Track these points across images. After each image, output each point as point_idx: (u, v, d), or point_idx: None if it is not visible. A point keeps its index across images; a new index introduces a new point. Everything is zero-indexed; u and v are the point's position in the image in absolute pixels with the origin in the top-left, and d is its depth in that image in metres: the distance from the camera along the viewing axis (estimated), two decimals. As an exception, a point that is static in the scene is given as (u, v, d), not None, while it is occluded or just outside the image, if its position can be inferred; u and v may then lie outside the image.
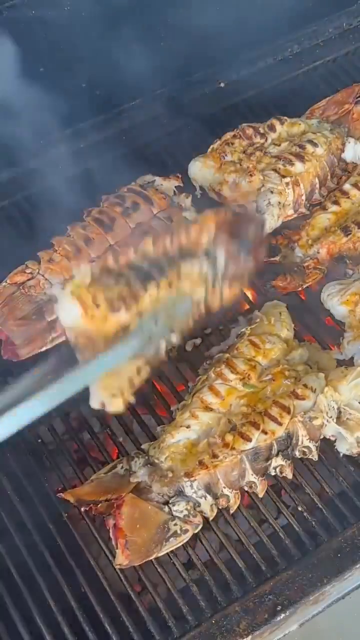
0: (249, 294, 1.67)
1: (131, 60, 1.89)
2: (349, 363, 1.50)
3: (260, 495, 1.35)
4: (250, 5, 1.99)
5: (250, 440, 1.32)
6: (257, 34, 2.02)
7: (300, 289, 1.61)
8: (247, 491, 1.36)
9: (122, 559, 1.24)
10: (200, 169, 1.73)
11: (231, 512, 1.35)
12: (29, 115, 1.83)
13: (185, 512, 1.29)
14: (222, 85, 2.01)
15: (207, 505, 1.30)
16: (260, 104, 1.97)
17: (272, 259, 1.59)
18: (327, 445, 1.41)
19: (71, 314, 1.30)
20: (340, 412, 1.40)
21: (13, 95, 1.80)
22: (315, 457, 1.38)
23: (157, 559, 1.29)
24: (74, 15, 1.78)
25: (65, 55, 1.81)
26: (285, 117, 1.76)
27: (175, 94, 1.97)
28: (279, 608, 1.25)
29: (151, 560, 1.28)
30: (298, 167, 1.69)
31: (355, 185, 1.69)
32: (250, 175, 1.68)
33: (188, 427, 1.35)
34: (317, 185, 1.74)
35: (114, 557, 1.27)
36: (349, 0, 2.14)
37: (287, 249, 1.64)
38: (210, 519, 1.32)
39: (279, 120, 1.76)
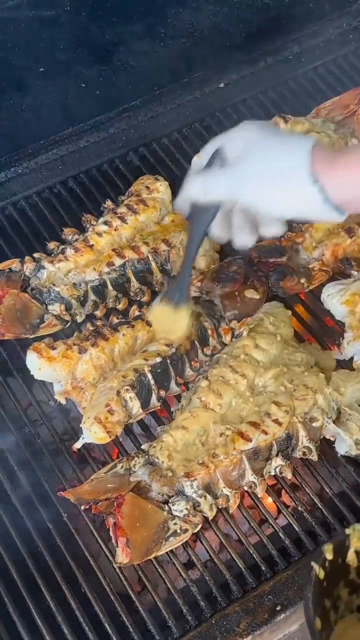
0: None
1: (131, 60, 1.89)
2: (349, 363, 1.50)
3: (260, 495, 1.35)
4: (250, 5, 1.99)
5: (250, 440, 1.32)
6: (257, 34, 2.02)
7: (307, 290, 1.61)
8: (247, 491, 1.36)
9: (122, 558, 1.24)
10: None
11: (231, 512, 1.35)
12: (28, 115, 1.84)
13: (185, 512, 1.29)
14: (222, 85, 2.00)
15: (207, 505, 1.30)
16: (260, 104, 1.97)
17: (279, 259, 1.59)
18: (327, 446, 1.41)
19: (32, 363, 1.45)
20: (339, 413, 1.41)
21: (13, 95, 1.81)
22: (315, 458, 1.38)
23: (156, 558, 1.29)
24: (74, 15, 1.78)
25: (65, 55, 1.81)
26: (290, 116, 1.76)
27: (175, 94, 1.97)
28: (278, 608, 1.25)
29: (151, 560, 1.28)
30: (300, 166, 1.69)
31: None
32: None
33: (187, 427, 1.35)
34: (318, 185, 1.74)
35: (114, 556, 1.27)
36: (349, 0, 2.14)
37: (292, 251, 1.63)
38: (210, 518, 1.32)
39: (283, 119, 1.76)
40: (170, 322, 1.37)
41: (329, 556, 1.12)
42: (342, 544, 1.13)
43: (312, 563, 1.10)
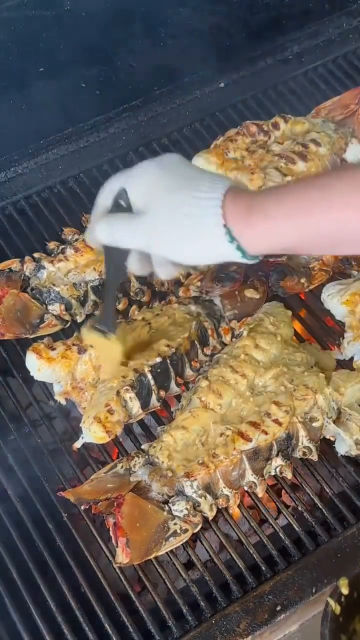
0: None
1: (131, 60, 1.89)
2: (349, 363, 1.50)
3: (260, 495, 1.35)
4: (250, 5, 1.99)
5: (250, 440, 1.32)
6: (257, 34, 2.02)
7: (307, 290, 1.61)
8: (247, 491, 1.36)
9: (122, 558, 1.24)
10: (203, 165, 1.72)
11: (231, 512, 1.35)
12: (28, 115, 1.84)
13: (185, 512, 1.29)
14: (222, 85, 2.00)
15: (207, 505, 1.30)
16: (260, 104, 1.97)
17: (279, 259, 1.59)
18: (327, 446, 1.41)
19: (31, 364, 1.44)
20: (340, 413, 1.41)
21: (13, 95, 1.81)
22: (315, 458, 1.38)
23: (156, 558, 1.29)
24: (74, 15, 1.78)
25: (65, 55, 1.81)
26: (290, 116, 1.76)
27: (175, 94, 1.97)
28: (279, 608, 1.25)
29: (151, 560, 1.28)
30: (300, 166, 1.69)
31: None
32: (252, 173, 1.68)
33: (187, 427, 1.35)
34: (318, 185, 1.73)
35: (114, 557, 1.27)
36: (349, 0, 2.14)
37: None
38: (210, 518, 1.32)
39: (283, 119, 1.76)
40: (103, 349, 1.37)
41: (345, 591, 1.10)
42: (357, 578, 1.13)
43: (328, 599, 1.09)
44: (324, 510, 1.36)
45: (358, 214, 1.05)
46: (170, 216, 1.13)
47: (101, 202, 1.24)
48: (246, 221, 1.09)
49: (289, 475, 1.36)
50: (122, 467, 1.33)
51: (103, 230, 1.20)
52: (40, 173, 1.84)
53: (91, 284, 1.57)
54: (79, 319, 1.59)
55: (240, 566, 1.30)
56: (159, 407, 1.45)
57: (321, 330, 1.60)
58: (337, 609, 1.10)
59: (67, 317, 1.57)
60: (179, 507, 1.29)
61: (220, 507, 1.32)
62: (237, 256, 1.12)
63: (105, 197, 1.23)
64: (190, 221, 1.11)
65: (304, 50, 2.08)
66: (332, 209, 1.06)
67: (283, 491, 1.43)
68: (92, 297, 1.57)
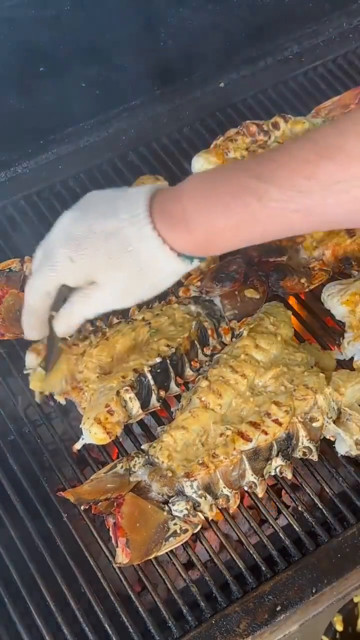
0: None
1: (131, 60, 1.89)
2: (349, 363, 1.50)
3: (260, 496, 1.35)
4: (250, 5, 1.99)
5: (250, 440, 1.32)
6: (257, 34, 2.02)
7: (307, 290, 1.61)
8: (247, 491, 1.36)
9: (122, 558, 1.24)
10: (203, 165, 1.72)
11: (231, 512, 1.35)
12: (28, 114, 1.84)
13: (185, 512, 1.29)
14: (222, 85, 2.00)
15: (207, 505, 1.30)
16: (260, 104, 1.97)
17: (279, 259, 1.59)
18: (327, 446, 1.41)
19: (31, 364, 1.46)
20: (340, 413, 1.40)
21: (13, 95, 1.81)
22: (315, 458, 1.38)
23: (156, 559, 1.29)
24: (74, 15, 1.78)
25: (65, 55, 1.81)
26: (290, 116, 1.76)
27: (175, 94, 1.97)
28: (279, 608, 1.25)
29: (151, 560, 1.28)
30: (299, 165, 1.69)
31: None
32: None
33: (187, 427, 1.35)
34: (318, 185, 1.73)
35: (113, 557, 1.27)
36: (349, 0, 2.14)
37: (292, 250, 1.63)
38: (210, 518, 1.32)
39: (283, 118, 1.76)
40: (54, 374, 1.43)
41: (339, 627, 1.11)
42: (351, 613, 1.13)
43: (323, 637, 1.10)
44: (324, 510, 1.36)
45: (297, 217, 1.09)
46: (124, 282, 1.17)
47: (35, 305, 1.26)
48: (190, 235, 1.13)
49: (289, 475, 1.36)
50: (122, 467, 1.33)
51: (67, 325, 1.27)
52: (40, 173, 1.85)
53: None
54: None
55: (240, 566, 1.30)
56: (159, 407, 1.45)
57: (321, 330, 1.60)
58: None
59: None
60: (179, 507, 1.29)
61: (220, 507, 1.32)
62: (198, 265, 1.18)
63: (38, 299, 1.24)
64: (148, 276, 1.16)
65: (304, 50, 2.08)
66: (275, 217, 1.10)
67: (283, 491, 1.43)
68: None
